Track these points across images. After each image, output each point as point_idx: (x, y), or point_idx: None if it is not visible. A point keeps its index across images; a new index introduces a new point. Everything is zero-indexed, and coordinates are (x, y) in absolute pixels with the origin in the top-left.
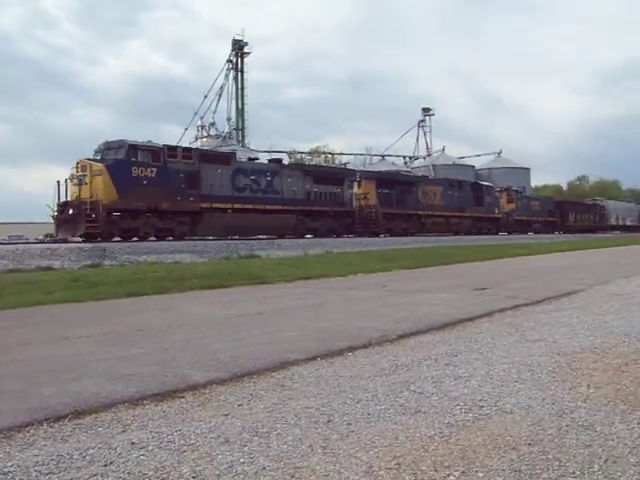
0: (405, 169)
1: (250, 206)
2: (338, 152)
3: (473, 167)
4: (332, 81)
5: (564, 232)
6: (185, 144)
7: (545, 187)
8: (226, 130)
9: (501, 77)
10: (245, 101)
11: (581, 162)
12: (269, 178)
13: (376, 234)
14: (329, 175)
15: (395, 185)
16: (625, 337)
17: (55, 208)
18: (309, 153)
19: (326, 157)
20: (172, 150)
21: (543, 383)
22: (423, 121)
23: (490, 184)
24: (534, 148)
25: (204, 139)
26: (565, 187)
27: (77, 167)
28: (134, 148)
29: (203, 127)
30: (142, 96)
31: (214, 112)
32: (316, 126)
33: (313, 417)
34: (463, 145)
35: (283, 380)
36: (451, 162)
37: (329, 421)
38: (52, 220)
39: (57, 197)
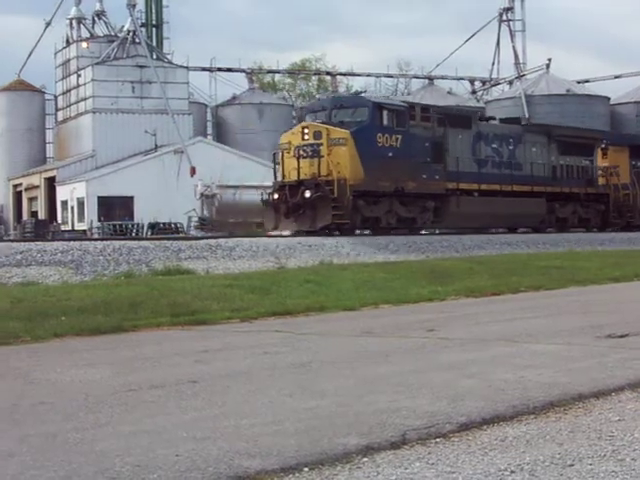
0: (474, 105)
1: (497, 187)
2: (344, 71)
3: (606, 99)
4: None
5: None
6: (48, 52)
7: None
8: (126, 27)
9: None
10: None
11: None
12: (511, 147)
13: (631, 227)
14: (579, 140)
15: None
16: None
17: (270, 190)
18: (289, 72)
19: (321, 79)
20: (412, 109)
21: None
22: (509, 10)
23: None
24: None
25: (84, 44)
26: None
27: (304, 132)
28: (379, 108)
29: (81, 22)
30: None
31: None
32: (303, 22)
33: None
34: (586, 57)
35: None
36: (564, 90)
37: None
38: (264, 206)
39: (275, 174)
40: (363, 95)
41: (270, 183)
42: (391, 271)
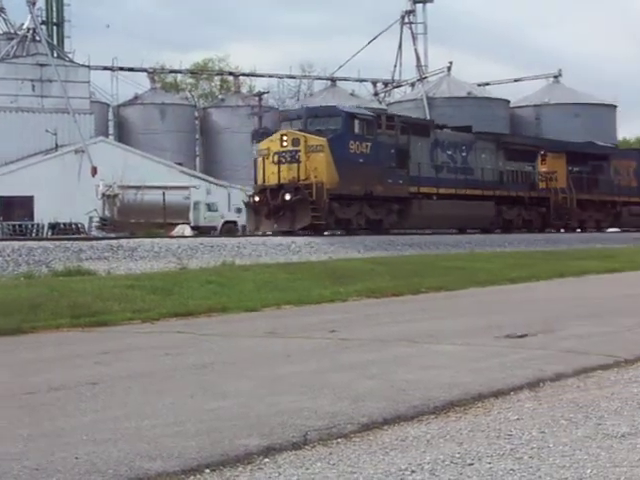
0: (378, 107)
1: (452, 191)
2: (248, 72)
3: (506, 102)
4: None
5: None
6: None
7: None
8: (26, 25)
9: None
10: None
11: None
12: (464, 153)
13: (568, 228)
14: (523, 148)
15: (586, 160)
16: None
17: (250, 192)
18: (191, 72)
19: (224, 79)
20: (379, 119)
21: None
22: (411, 13)
23: None
24: (622, 70)
25: None
26: None
27: (282, 139)
28: (352, 117)
29: None
30: None
31: None
32: (206, 22)
33: None
34: (487, 60)
35: None
36: (464, 92)
37: None
38: (245, 208)
39: (256, 179)
40: (336, 105)
41: (174, 184)
42: (293, 272)
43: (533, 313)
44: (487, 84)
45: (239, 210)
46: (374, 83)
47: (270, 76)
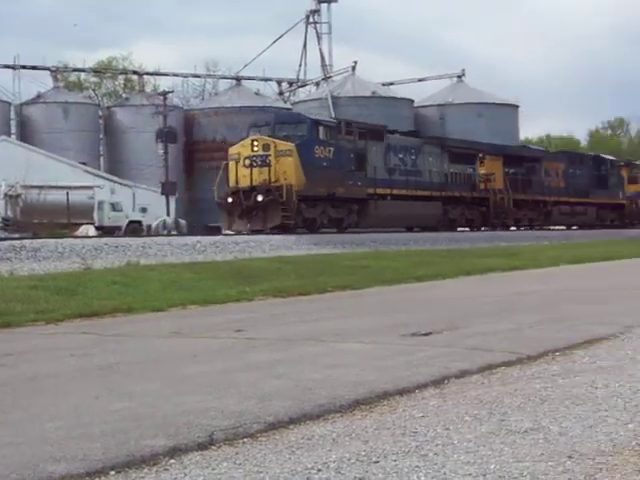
0: (283, 106)
1: (404, 192)
2: (152, 71)
3: (411, 102)
4: None
5: None
6: None
7: (546, 140)
8: None
9: None
10: None
11: (614, 97)
12: (413, 157)
13: (506, 226)
14: (465, 151)
15: (521, 163)
16: None
17: (220, 194)
18: (95, 71)
19: (128, 78)
20: (340, 124)
21: None
22: (316, 13)
23: (613, 158)
24: (525, 70)
25: None
26: (584, 141)
27: (253, 144)
28: (316, 124)
29: None
30: None
31: None
32: (111, 20)
33: None
34: (391, 60)
35: None
36: (369, 92)
37: None
38: (218, 209)
39: (226, 181)
40: (301, 113)
41: (77, 184)
42: (198, 271)
43: (439, 311)
44: (392, 84)
45: (144, 210)
46: (279, 82)
47: (175, 75)
